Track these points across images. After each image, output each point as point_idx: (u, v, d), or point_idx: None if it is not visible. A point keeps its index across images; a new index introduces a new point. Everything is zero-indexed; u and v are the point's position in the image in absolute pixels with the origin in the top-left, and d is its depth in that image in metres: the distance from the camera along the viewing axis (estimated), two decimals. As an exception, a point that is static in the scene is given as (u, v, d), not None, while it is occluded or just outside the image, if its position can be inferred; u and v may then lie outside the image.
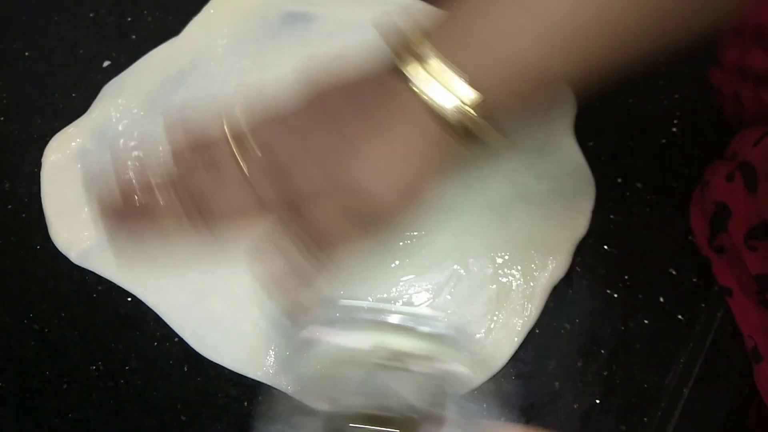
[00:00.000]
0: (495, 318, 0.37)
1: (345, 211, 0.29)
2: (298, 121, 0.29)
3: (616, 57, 0.28)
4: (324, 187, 0.28)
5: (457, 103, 0.26)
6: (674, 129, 0.45)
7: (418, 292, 0.38)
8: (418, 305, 0.38)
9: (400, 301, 0.38)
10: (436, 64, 0.27)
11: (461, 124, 0.27)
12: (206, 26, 0.50)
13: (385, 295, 0.38)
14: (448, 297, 0.38)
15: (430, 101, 0.27)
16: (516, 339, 0.36)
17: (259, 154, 0.29)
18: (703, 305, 0.38)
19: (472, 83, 0.26)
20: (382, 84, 0.28)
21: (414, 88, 0.27)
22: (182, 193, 0.29)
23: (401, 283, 0.38)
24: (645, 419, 0.35)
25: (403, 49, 0.27)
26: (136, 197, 0.29)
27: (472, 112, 0.27)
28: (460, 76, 0.26)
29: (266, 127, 0.29)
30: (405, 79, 0.27)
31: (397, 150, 0.28)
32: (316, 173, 0.28)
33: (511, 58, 0.27)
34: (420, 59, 0.27)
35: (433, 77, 0.27)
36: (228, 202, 0.29)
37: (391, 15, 0.28)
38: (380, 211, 0.29)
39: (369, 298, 0.38)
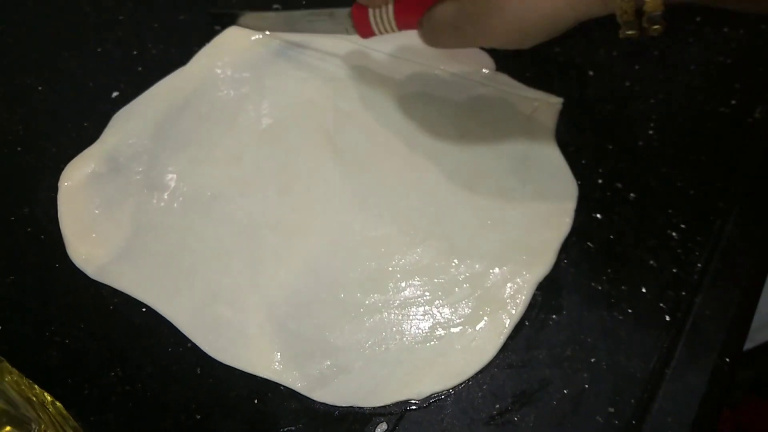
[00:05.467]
0: (484, 312, 0.39)
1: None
2: None
3: None
4: None
5: None
6: (651, 132, 0.48)
7: (413, 291, 0.40)
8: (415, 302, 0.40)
9: (398, 300, 0.40)
10: None
11: None
12: (210, 57, 0.53)
13: (383, 296, 0.40)
14: (440, 293, 0.40)
15: None
16: (505, 331, 0.38)
17: None
18: (683, 293, 0.40)
19: None
20: None
21: None
22: None
23: (397, 282, 0.41)
24: (632, 401, 0.37)
25: None
26: None
27: None
28: None
29: None
30: None
31: None
32: None
33: None
34: None
35: None
36: None
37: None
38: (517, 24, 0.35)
39: (374, 296, 0.41)
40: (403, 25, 0.44)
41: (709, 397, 0.36)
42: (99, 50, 0.55)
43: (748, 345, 0.77)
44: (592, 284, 0.41)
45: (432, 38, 0.42)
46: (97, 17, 0.58)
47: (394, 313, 0.40)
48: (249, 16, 0.55)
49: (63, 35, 0.57)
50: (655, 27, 0.34)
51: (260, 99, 0.51)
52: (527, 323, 0.40)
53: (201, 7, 0.58)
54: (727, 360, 0.37)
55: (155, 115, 0.50)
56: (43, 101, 0.52)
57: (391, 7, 0.43)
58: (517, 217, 0.43)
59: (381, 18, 0.44)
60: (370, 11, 0.44)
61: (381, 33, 0.45)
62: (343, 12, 0.46)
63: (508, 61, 0.52)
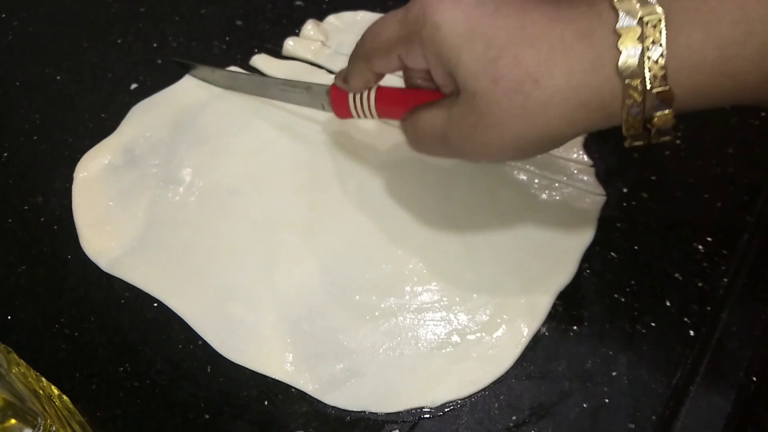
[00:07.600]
0: (502, 320, 0.38)
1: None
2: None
3: None
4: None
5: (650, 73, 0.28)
6: (677, 141, 0.47)
7: (430, 296, 0.40)
8: (431, 307, 0.39)
9: (414, 305, 0.39)
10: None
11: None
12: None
13: (399, 300, 0.40)
14: (457, 299, 0.39)
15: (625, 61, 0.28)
16: (523, 340, 0.38)
17: None
18: (708, 308, 0.39)
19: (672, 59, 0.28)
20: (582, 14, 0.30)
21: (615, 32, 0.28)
22: None
23: (414, 287, 0.40)
24: (653, 417, 0.36)
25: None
26: None
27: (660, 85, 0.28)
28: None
29: None
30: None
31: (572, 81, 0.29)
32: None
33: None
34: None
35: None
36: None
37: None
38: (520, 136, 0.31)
39: (390, 299, 0.40)
40: (384, 114, 0.40)
41: (734, 417, 0.35)
42: (119, 41, 0.55)
43: None
44: (615, 295, 0.40)
45: (415, 145, 0.37)
46: (118, 8, 0.58)
47: (410, 318, 0.39)
48: (216, 74, 0.51)
49: (83, 25, 0.57)
50: (665, 138, 0.31)
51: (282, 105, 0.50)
52: (547, 333, 0.39)
53: (222, 1, 0.57)
54: (754, 378, 0.36)
55: (175, 109, 0.50)
56: (61, 91, 0.52)
57: (373, 95, 0.39)
58: (538, 223, 0.42)
59: (361, 103, 0.40)
60: (350, 95, 0.40)
61: (359, 117, 0.41)
62: (321, 88, 0.43)
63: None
